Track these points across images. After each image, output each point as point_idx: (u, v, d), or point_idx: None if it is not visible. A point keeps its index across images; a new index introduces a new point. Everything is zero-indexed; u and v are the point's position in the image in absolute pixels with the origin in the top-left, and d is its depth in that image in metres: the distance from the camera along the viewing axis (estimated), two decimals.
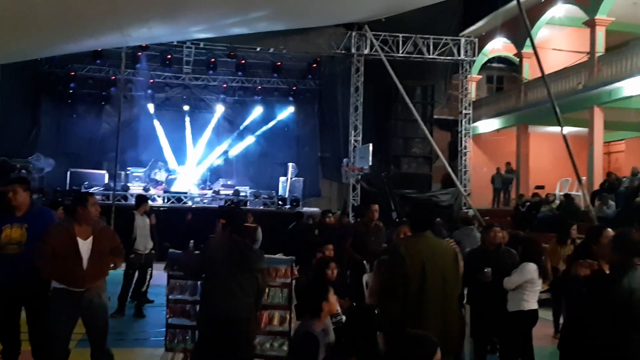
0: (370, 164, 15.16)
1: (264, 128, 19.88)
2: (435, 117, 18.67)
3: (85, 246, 4.62)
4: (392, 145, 18.06)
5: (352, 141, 16.55)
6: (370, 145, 15.14)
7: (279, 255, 4.94)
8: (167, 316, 4.95)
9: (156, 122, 19.08)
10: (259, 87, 19.96)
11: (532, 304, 5.35)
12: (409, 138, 18.03)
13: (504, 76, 22.63)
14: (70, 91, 19.04)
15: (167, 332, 4.91)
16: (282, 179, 18.55)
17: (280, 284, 4.64)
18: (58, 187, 16.15)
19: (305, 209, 16.29)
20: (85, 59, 17.84)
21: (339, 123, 17.73)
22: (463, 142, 17.79)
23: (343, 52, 16.55)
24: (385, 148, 17.63)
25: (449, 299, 3.97)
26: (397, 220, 12.88)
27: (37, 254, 4.58)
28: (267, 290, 4.55)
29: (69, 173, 16.95)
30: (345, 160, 16.60)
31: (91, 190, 14.84)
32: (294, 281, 4.71)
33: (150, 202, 15.96)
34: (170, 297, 4.94)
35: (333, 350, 3.26)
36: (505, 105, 18.89)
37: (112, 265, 4.81)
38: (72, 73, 18.68)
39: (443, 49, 16.96)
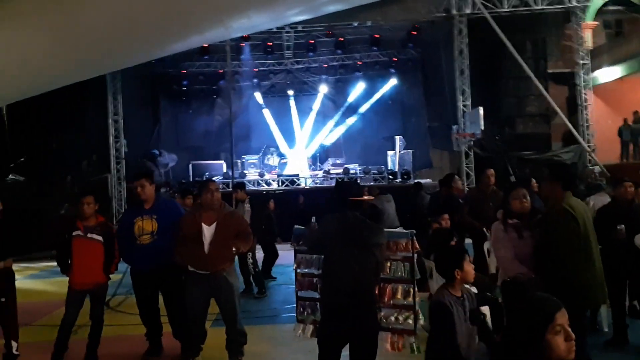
0: (482, 128, 14.55)
1: (368, 103, 19.76)
2: (549, 71, 17.49)
3: (208, 231, 4.87)
4: (505, 105, 17.23)
5: (461, 106, 15.96)
6: (481, 108, 14.52)
7: (400, 229, 4.89)
8: (297, 289, 5.11)
9: (264, 109, 19.70)
10: (360, 62, 19.82)
11: None
12: (523, 96, 17.08)
13: (622, 19, 20.57)
14: (184, 88, 20.16)
15: (298, 304, 5.07)
16: (390, 152, 18.40)
17: (402, 258, 4.59)
18: (183, 180, 17.25)
19: (416, 181, 16.04)
20: (194, 56, 18.72)
21: (445, 89, 17.16)
22: (582, 95, 16.52)
23: (444, 15, 15.91)
24: (497, 110, 16.86)
25: (598, 255, 4.11)
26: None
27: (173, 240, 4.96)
28: (389, 264, 4.54)
29: (190, 166, 18.03)
30: (454, 127, 16.08)
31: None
32: (416, 255, 4.63)
33: (265, 186, 16.84)
34: (298, 270, 5.09)
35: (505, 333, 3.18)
36: (627, 50, 17.21)
37: (234, 249, 5.02)
38: (184, 71, 19.70)
39: None
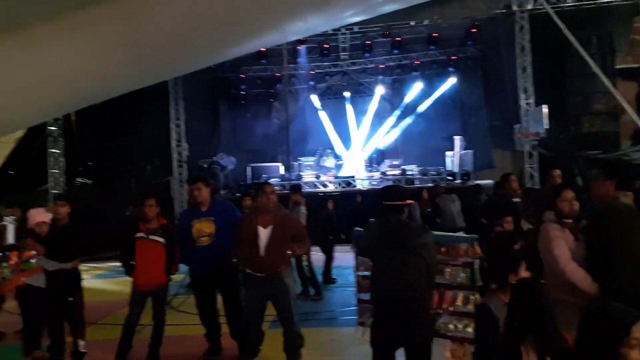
0: (547, 126, 14.04)
1: (426, 103, 19.42)
2: (617, 67, 16.67)
3: (264, 234, 4.89)
4: (570, 103, 16.54)
5: (523, 105, 15.44)
6: (545, 106, 14.02)
7: (460, 233, 4.76)
8: (356, 292, 5.07)
9: (321, 111, 19.75)
10: (417, 62, 19.49)
11: None
12: (589, 93, 16.35)
13: None
14: (242, 92, 20.51)
15: (358, 307, 5.03)
16: (449, 153, 18.05)
17: (462, 263, 4.45)
18: (241, 182, 17.54)
19: (477, 182, 15.67)
20: (251, 60, 18.98)
21: (506, 87, 16.66)
22: None
23: (504, 11, 15.46)
24: (562, 108, 16.21)
25: None
26: (581, 185, 11.79)
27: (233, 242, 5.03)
28: (449, 269, 4.42)
29: (249, 168, 18.29)
30: (517, 126, 15.57)
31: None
32: (477, 260, 4.48)
33: (322, 188, 16.88)
34: (357, 273, 5.05)
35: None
36: None
37: (289, 252, 5.02)
38: (242, 75, 20.04)
39: None
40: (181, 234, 5.56)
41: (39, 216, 5.58)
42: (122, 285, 8.69)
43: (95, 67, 6.50)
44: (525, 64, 15.41)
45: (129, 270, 5.52)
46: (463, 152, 17.47)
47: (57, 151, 16.17)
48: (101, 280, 10.92)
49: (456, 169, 17.13)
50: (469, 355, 4.25)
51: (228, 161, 18.33)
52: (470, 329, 4.25)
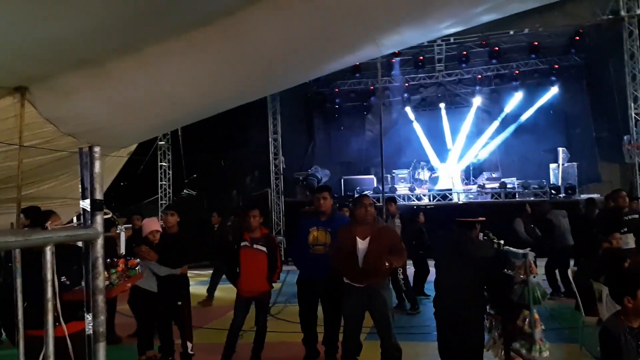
0: None
1: (527, 114, 18.71)
2: None
3: (362, 245, 4.97)
4: None
5: (633, 114, 14.51)
6: None
7: (526, 252, 4.61)
8: None
9: (415, 123, 19.62)
10: (516, 71, 18.86)
11: None
12: None
13: None
14: (336, 106, 20.87)
15: None
16: (552, 166, 17.26)
17: (520, 281, 4.28)
18: (335, 195, 17.73)
19: (582, 196, 14.86)
20: (346, 75, 19.29)
21: (614, 97, 15.73)
22: None
23: (610, 17, 14.64)
24: None
25: None
26: None
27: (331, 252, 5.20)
28: (515, 286, 4.31)
29: (342, 181, 18.51)
30: (626, 137, 14.64)
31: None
32: (532, 278, 4.29)
33: (416, 201, 16.73)
34: None
35: None
36: None
37: (387, 264, 5.06)
38: (336, 90, 20.40)
39: None
40: (298, 239, 5.78)
41: (153, 225, 5.98)
42: (225, 291, 9.12)
43: (204, 85, 6.92)
44: (635, 71, 14.50)
45: (233, 277, 5.81)
46: (567, 164, 16.65)
47: (166, 164, 17.26)
48: (205, 286, 11.43)
49: (560, 183, 16.35)
50: None
51: (322, 174, 18.67)
52: (524, 351, 4.12)
